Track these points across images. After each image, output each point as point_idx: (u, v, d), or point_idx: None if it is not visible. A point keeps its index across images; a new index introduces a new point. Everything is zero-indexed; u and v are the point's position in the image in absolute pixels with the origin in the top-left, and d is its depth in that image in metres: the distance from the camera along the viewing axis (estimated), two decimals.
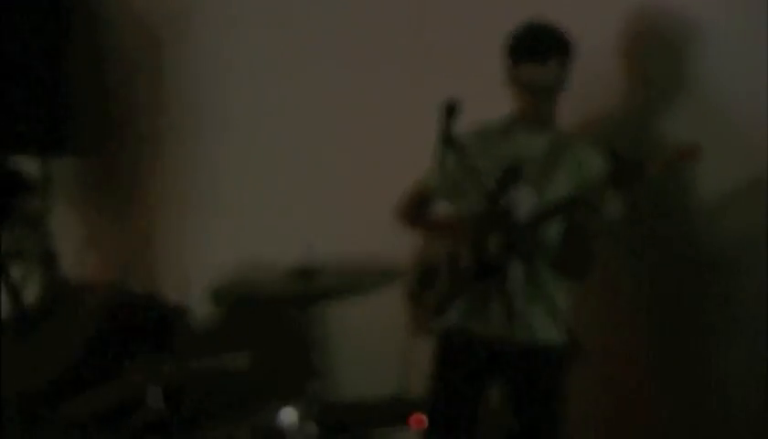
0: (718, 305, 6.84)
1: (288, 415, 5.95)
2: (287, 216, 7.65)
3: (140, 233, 8.56)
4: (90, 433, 6.00)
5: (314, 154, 7.65)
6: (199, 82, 8.35)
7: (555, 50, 6.16)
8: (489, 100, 6.37)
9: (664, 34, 7.03)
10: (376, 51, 7.59)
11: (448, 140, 5.74)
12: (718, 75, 6.84)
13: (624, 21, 6.97)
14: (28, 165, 7.86)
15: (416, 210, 6.52)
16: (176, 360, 6.19)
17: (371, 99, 7.37)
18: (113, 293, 7.79)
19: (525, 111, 6.20)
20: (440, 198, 6.50)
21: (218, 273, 7.45)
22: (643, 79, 7.11)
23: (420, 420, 6.29)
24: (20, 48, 8.05)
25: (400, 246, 6.55)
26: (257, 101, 8.12)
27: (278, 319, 7.76)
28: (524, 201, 6.11)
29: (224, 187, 8.16)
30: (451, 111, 5.70)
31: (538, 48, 6.18)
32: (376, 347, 7.21)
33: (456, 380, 6.32)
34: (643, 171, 5.87)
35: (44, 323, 7.28)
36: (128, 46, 8.59)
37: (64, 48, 8.18)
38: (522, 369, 6.14)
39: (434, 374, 6.37)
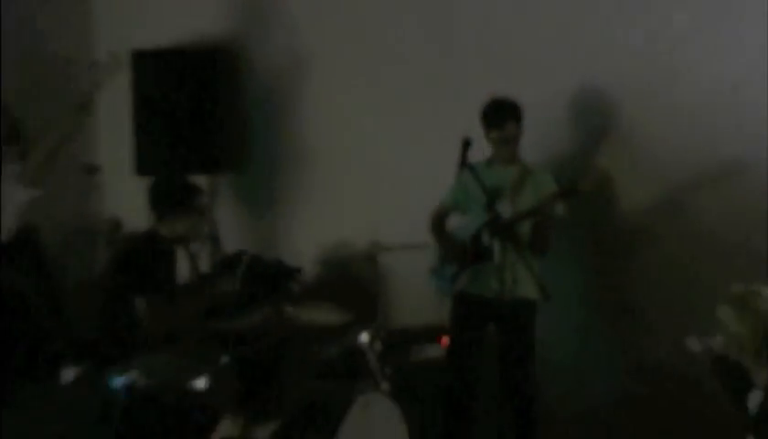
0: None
1: (364, 337, 7.01)
2: (361, 213, 8.85)
3: (270, 221, 9.70)
4: (235, 346, 6.77)
5: (378, 176, 8.78)
6: (312, 122, 9.42)
7: (510, 117, 7.43)
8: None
9: (595, 107, 8.16)
10: (421, 101, 8.64)
11: (464, 163, 6.95)
12: (628, 130, 8.04)
13: (572, 96, 8.20)
14: (200, 180, 8.20)
15: (438, 224, 7.79)
16: (294, 302, 7.21)
17: (421, 132, 8.47)
18: (256, 259, 8.38)
19: (499, 154, 7.51)
20: (454, 211, 7.82)
21: (320, 249, 9.20)
22: (583, 131, 8.27)
23: (445, 341, 7.77)
24: (190, 100, 9.20)
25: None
26: (347, 132, 9.14)
27: (356, 274, 8.96)
28: (505, 210, 7.26)
29: (323, 195, 9.30)
30: (466, 144, 6.95)
31: (498, 118, 7.44)
32: (419, 293, 8.15)
33: (465, 324, 7.62)
34: (578, 189, 7.21)
35: (213, 282, 7.61)
36: (262, 94, 9.62)
37: (220, 98, 9.35)
38: (508, 314, 7.37)
39: (452, 321, 7.68)
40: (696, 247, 7.83)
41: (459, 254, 7.51)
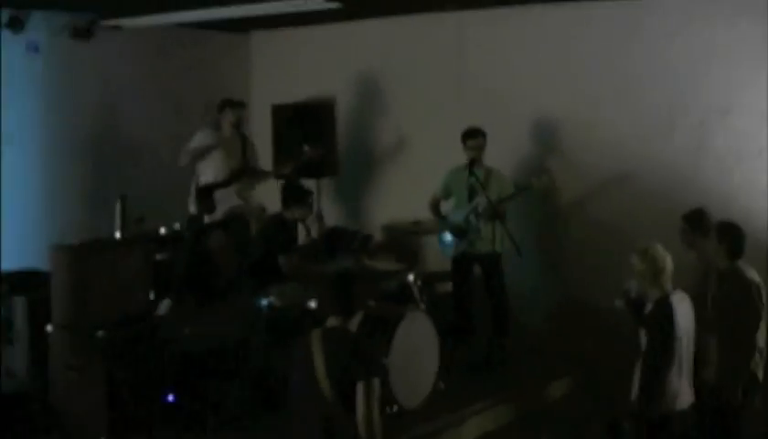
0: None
1: (410, 277, 7.15)
2: (408, 203, 8.56)
3: (353, 206, 9.73)
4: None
5: (419, 181, 8.53)
6: (379, 147, 9.50)
7: (480, 134, 7.62)
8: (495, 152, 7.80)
9: (546, 133, 8.31)
10: (442, 128, 8.58)
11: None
12: (568, 148, 8.24)
13: (532, 125, 8.35)
14: (310, 184, 8.45)
15: (435, 207, 7.98)
16: (368, 256, 7.59)
17: (445, 153, 8.04)
18: (338, 228, 8.79)
19: (472, 158, 7.58)
20: (443, 199, 7.97)
21: (384, 224, 9.15)
22: (538, 148, 8.39)
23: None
24: (307, 134, 9.04)
25: None
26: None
27: (406, 239, 8.89)
28: (480, 200, 7.52)
29: (386, 191, 9.43)
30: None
31: (473, 134, 7.63)
32: (440, 252, 8.02)
33: (462, 271, 7.87)
34: (529, 187, 7.61)
35: (317, 244, 7.86)
36: (350, 130, 9.67)
37: (325, 133, 9.32)
38: (489, 262, 7.69)
39: (453, 267, 7.89)
40: (608, 223, 8.01)
41: (456, 231, 7.73)
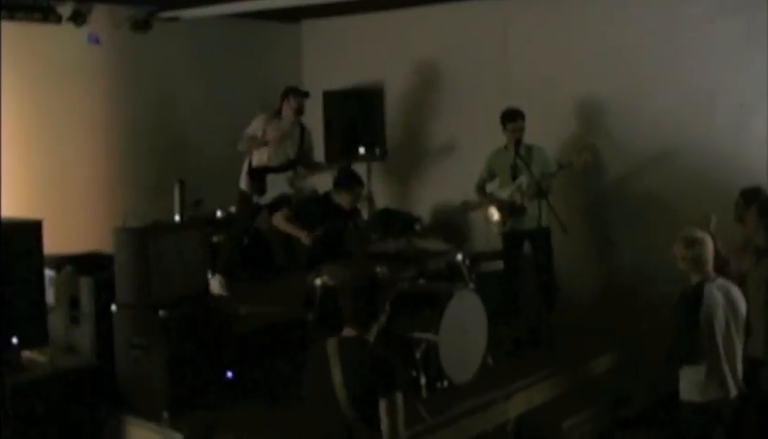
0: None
1: (459, 256, 7.08)
2: (456, 184, 8.53)
3: (402, 189, 9.63)
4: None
5: (465, 163, 8.57)
6: (428, 131, 9.50)
7: (519, 116, 7.50)
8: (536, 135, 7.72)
9: (587, 112, 8.32)
10: (480, 121, 8.47)
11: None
12: (608, 126, 8.21)
13: (575, 105, 8.34)
14: (361, 167, 8.61)
15: (481, 188, 7.85)
16: (417, 237, 7.62)
17: (487, 137, 7.95)
18: (389, 209, 8.82)
19: (512, 140, 7.49)
20: (489, 180, 7.84)
21: (433, 205, 9.37)
22: (580, 126, 8.35)
23: None
24: (355, 119, 9.36)
25: None
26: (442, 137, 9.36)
27: (454, 219, 8.97)
28: (523, 179, 7.44)
29: (434, 174, 9.36)
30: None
31: (512, 116, 7.51)
32: (487, 231, 8.04)
33: (512, 245, 7.73)
34: (570, 165, 7.46)
35: (364, 224, 7.79)
36: (398, 115, 9.68)
37: (373, 118, 9.48)
38: (538, 236, 7.47)
39: (504, 244, 7.74)
40: (651, 202, 8.01)
41: (503, 210, 7.64)
